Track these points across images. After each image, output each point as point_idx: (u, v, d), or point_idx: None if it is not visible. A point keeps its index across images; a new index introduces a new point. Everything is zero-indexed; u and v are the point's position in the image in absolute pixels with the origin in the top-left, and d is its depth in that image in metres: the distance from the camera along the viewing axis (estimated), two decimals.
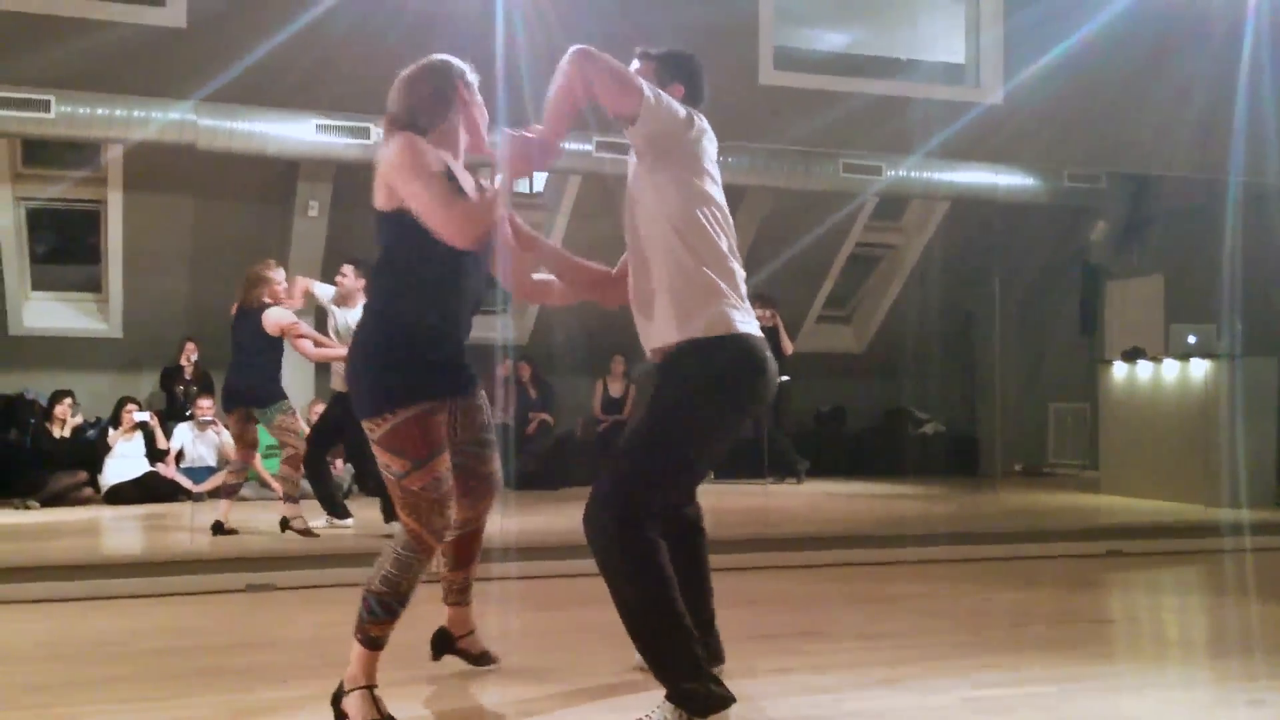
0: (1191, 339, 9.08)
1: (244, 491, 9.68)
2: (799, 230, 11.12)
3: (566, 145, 9.39)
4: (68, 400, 9.59)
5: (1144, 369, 9.55)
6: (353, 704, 3.25)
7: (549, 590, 5.76)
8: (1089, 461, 11.49)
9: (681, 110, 3.44)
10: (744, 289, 3.48)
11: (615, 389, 11.94)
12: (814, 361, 12.15)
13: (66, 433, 9.53)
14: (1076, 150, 9.70)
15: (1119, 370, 9.86)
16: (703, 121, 3.50)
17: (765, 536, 6.92)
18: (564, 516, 7.33)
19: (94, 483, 9.41)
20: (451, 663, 3.97)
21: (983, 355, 13.24)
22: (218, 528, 6.85)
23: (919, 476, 11.70)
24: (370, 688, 3.26)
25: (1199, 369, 8.93)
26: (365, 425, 3.30)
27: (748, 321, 3.41)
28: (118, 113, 8.26)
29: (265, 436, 9.87)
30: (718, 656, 3.71)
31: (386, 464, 3.27)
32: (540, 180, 12.03)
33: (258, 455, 9.80)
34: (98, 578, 5.61)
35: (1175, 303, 11.08)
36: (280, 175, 10.23)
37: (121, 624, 4.97)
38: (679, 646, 3.17)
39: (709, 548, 3.84)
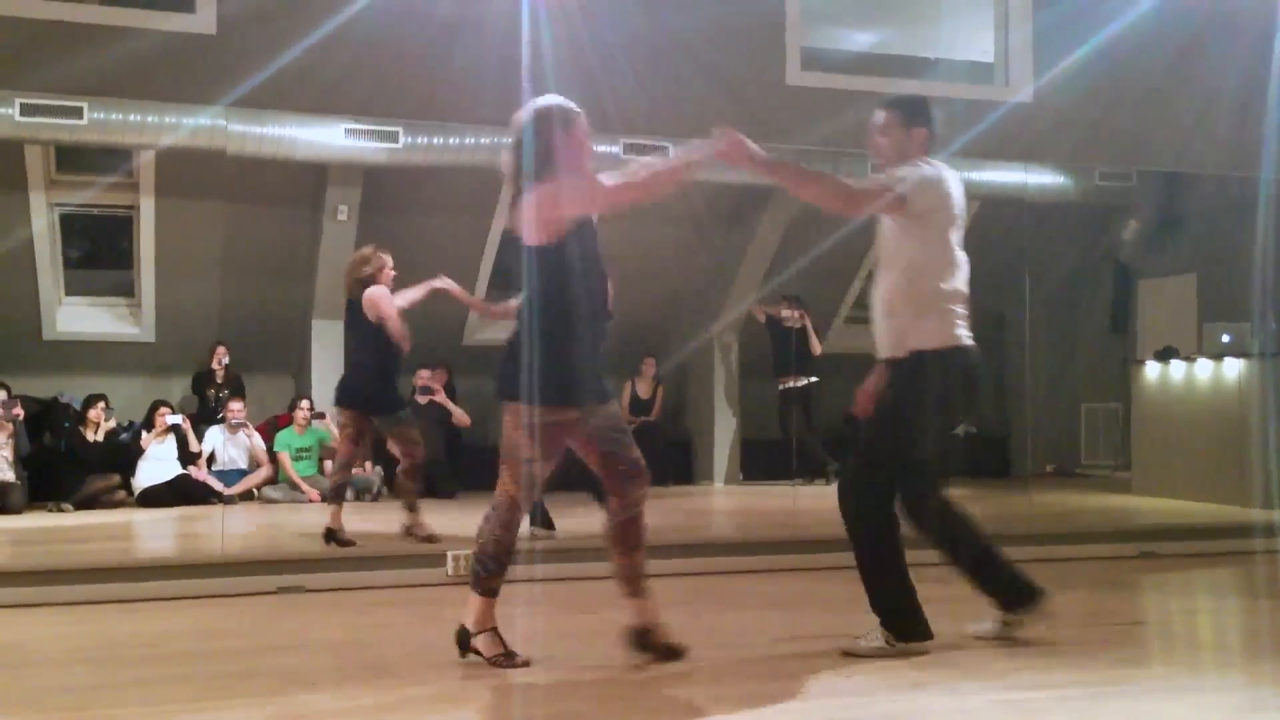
0: (1225, 338, 8.99)
1: (274, 494, 9.79)
2: (826, 230, 11.03)
3: (594, 148, 9.43)
4: (101, 404, 9.68)
5: (1177, 368, 9.46)
6: (482, 641, 3.95)
7: (574, 592, 5.77)
8: (1122, 462, 11.38)
9: (944, 188, 4.15)
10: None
11: (644, 390, 11.93)
12: (842, 362, 12.05)
13: (100, 436, 9.61)
14: (1107, 148, 9.60)
15: (1152, 370, 9.78)
16: (954, 186, 4.19)
17: (794, 539, 6.89)
18: (590, 519, 7.32)
19: (127, 486, 9.50)
20: (478, 663, 3.97)
21: (1013, 355, 13.12)
22: (329, 536, 6.52)
23: (949, 478, 11.59)
24: (495, 629, 3.98)
25: (1232, 368, 8.84)
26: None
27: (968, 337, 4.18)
28: (149, 119, 8.32)
29: (295, 439, 9.96)
30: (1029, 593, 4.38)
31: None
32: None
33: (289, 458, 9.90)
34: (130, 580, 5.65)
35: (1208, 301, 10.95)
36: (309, 179, 10.29)
37: (153, 626, 5.01)
38: (899, 594, 4.13)
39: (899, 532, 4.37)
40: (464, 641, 3.99)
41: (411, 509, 6.78)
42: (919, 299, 4.13)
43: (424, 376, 10.67)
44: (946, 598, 5.13)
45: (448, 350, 11.08)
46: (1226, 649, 4.78)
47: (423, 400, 10.58)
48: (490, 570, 3.93)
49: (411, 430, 6.92)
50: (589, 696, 3.64)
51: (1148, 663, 4.27)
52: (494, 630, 3.97)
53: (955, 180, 4.26)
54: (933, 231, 4.15)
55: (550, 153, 3.97)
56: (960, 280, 4.21)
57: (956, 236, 4.23)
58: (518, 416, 3.90)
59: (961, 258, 4.22)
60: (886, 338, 4.24)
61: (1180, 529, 7.56)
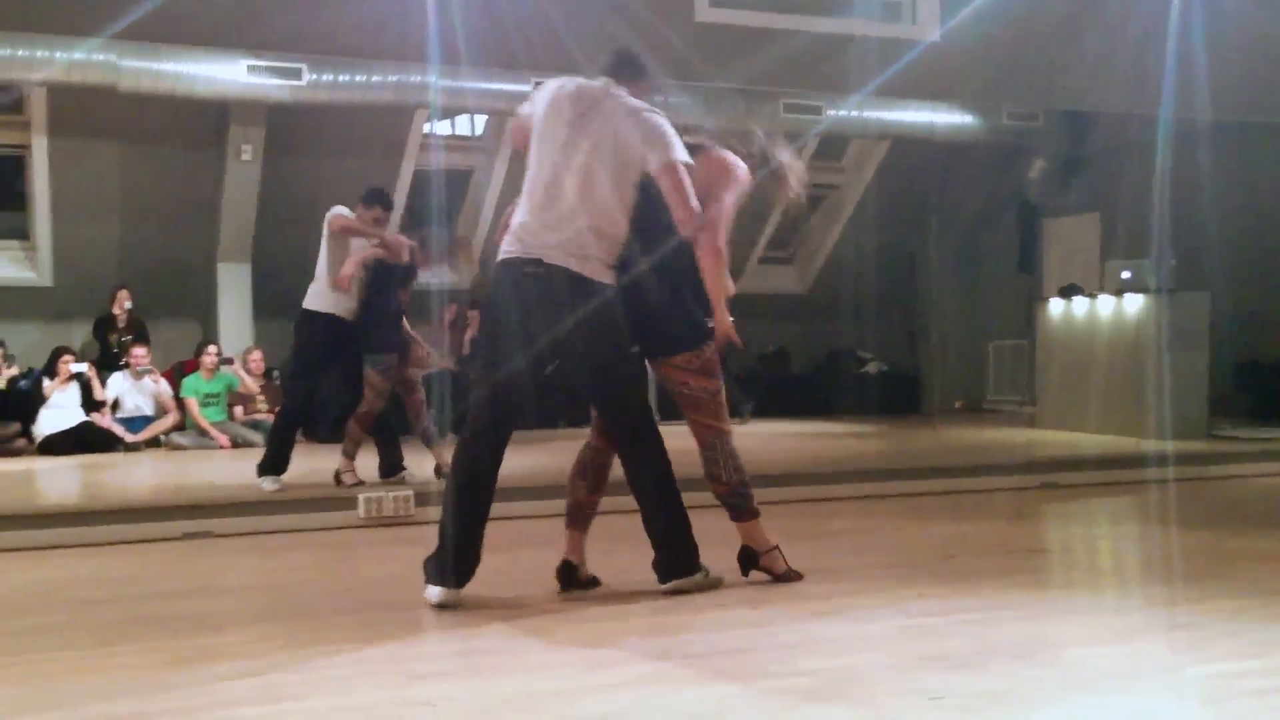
0: (1125, 275, 9.20)
1: (181, 441, 9.62)
2: None
3: (500, 86, 9.32)
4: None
5: (1080, 305, 9.67)
6: (772, 559, 4.33)
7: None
8: (1028, 397, 11.67)
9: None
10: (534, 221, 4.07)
11: None
12: (757, 303, 12.17)
13: (1, 384, 9.34)
14: (1014, 88, 9.74)
15: (1056, 307, 9.99)
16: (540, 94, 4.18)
17: (694, 476, 6.91)
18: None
19: (28, 433, 9.26)
20: (394, 603, 3.97)
21: (924, 294, 13.35)
22: (439, 471, 6.70)
23: (862, 415, 11.81)
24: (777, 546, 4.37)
25: (1133, 304, 9.07)
26: (687, 357, 4.27)
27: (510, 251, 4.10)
28: (38, 53, 8.03)
29: (202, 384, 9.78)
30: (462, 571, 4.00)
31: (705, 386, 4.29)
32: (480, 123, 11.89)
33: (196, 404, 9.72)
34: (31, 528, 5.54)
35: (1111, 239, 11.22)
36: (211, 118, 10.01)
37: (55, 574, 4.91)
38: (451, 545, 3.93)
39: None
40: (751, 562, 4.34)
41: (349, 455, 6.70)
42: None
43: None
44: (857, 529, 5.23)
45: None
46: (1121, 574, 4.95)
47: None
48: (750, 495, 4.31)
49: (380, 379, 6.72)
50: (500, 634, 3.65)
51: (1045, 588, 4.39)
52: (778, 548, 4.35)
53: (548, 98, 4.16)
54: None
55: None
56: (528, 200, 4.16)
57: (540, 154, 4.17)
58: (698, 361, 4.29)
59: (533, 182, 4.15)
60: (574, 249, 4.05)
61: (1080, 460, 7.78)
